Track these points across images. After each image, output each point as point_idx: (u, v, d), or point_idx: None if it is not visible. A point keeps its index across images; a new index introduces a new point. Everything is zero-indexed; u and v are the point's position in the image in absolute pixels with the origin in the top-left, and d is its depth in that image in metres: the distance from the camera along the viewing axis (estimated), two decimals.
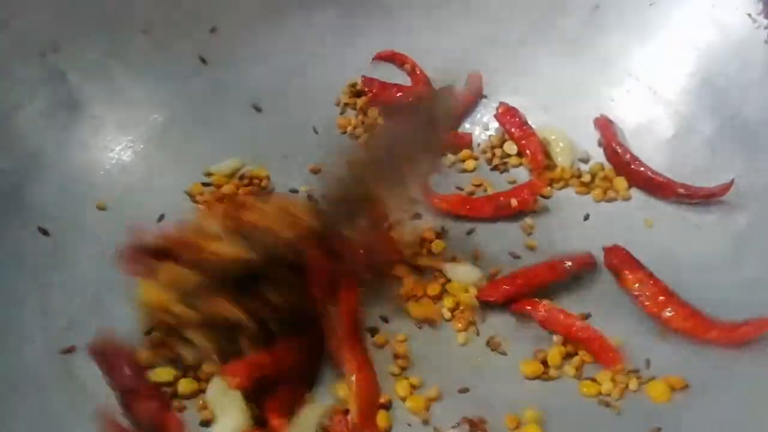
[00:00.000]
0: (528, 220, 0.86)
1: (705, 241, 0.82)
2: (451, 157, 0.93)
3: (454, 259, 0.83)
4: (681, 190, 0.85)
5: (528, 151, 0.91)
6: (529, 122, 0.94)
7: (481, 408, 0.72)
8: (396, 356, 0.76)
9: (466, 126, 0.97)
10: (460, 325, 0.78)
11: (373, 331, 0.78)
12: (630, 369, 0.73)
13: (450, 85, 0.77)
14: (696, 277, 0.79)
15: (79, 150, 0.90)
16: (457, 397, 0.73)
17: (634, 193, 0.88)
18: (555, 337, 0.76)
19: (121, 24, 0.92)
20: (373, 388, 0.73)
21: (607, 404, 0.72)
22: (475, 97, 0.97)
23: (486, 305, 0.79)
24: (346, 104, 0.98)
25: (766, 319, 0.72)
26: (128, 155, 0.92)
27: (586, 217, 0.87)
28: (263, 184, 0.91)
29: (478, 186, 0.91)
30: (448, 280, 0.81)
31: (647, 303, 0.77)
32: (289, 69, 0.99)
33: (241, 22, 0.98)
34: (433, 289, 0.80)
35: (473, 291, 0.79)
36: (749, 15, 0.86)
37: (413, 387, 0.74)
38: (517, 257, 0.84)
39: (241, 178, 0.91)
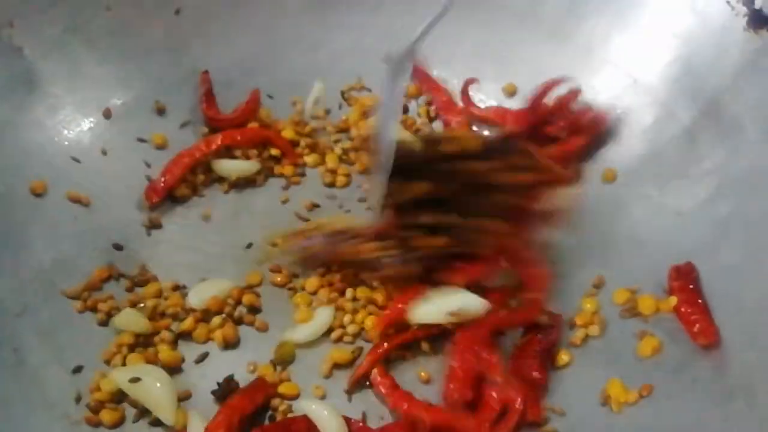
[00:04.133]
0: None
1: (685, 229, 0.81)
2: None
3: None
4: None
5: None
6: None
7: None
8: None
9: None
10: None
11: None
12: None
13: None
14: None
15: (35, 130, 0.85)
16: None
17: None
18: None
19: None
20: None
21: None
22: None
23: None
24: None
25: None
26: (88, 138, 0.88)
27: None
28: None
29: None
30: None
31: None
32: (256, 53, 0.96)
33: (207, 3, 0.95)
34: None
35: None
36: (728, 2, 0.85)
37: None
38: None
39: None
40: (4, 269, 0.76)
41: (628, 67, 0.91)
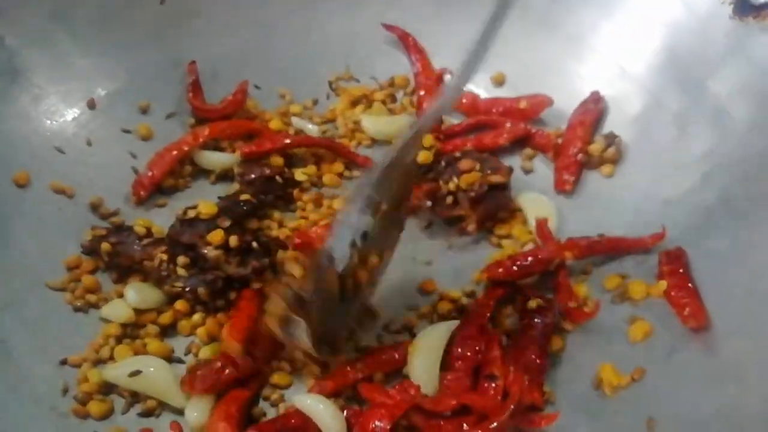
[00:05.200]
0: None
1: (674, 216, 0.81)
2: None
3: None
4: None
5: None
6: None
7: None
8: None
9: None
10: None
11: None
12: None
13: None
14: None
15: (18, 120, 0.84)
16: None
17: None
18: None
19: None
20: None
21: None
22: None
23: None
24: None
25: None
26: (72, 128, 0.87)
27: None
28: None
29: None
30: None
31: None
32: (243, 43, 0.95)
33: None
34: None
35: None
36: None
37: None
38: None
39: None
40: None
41: (616, 56, 0.91)
